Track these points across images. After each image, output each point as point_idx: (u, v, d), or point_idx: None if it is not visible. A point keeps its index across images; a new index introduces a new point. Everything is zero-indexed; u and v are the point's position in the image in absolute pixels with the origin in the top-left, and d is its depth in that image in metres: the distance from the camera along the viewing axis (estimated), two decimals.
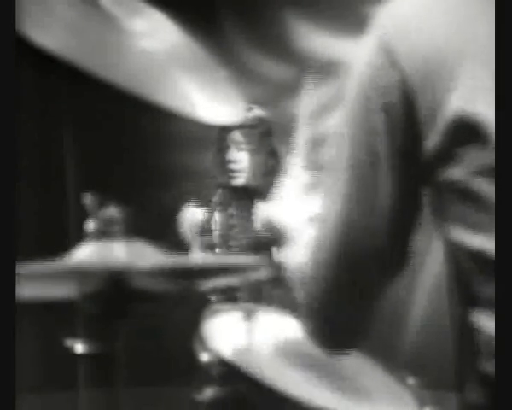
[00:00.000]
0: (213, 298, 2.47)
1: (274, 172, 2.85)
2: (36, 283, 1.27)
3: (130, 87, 1.30)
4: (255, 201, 2.83)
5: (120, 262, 1.27)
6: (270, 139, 2.87)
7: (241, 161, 2.80)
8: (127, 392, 1.36)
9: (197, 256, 2.80)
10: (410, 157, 0.93)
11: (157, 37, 1.44)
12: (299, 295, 1.04)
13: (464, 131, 0.88)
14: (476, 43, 0.90)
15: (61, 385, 3.03)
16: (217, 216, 2.84)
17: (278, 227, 2.74)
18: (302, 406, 1.57)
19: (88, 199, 1.31)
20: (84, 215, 1.33)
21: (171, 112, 1.37)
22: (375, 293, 1.02)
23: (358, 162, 0.95)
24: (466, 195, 0.90)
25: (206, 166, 2.93)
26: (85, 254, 1.28)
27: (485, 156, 0.87)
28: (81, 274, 1.25)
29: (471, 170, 0.89)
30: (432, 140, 0.91)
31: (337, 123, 1.01)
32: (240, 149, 2.80)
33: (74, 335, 1.41)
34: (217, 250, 2.81)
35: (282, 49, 3.79)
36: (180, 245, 2.81)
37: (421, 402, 1.78)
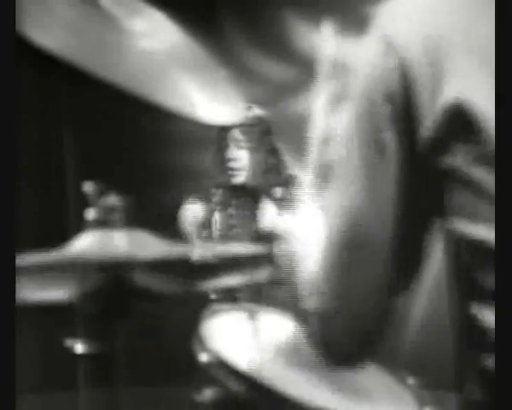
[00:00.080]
0: (214, 296, 2.47)
1: (274, 170, 2.85)
2: (35, 276, 1.26)
3: (130, 87, 1.30)
4: (255, 199, 2.84)
5: (121, 252, 1.26)
6: (269, 138, 2.87)
7: (241, 159, 2.80)
8: (127, 392, 1.36)
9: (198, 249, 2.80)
10: (412, 148, 0.94)
11: (157, 37, 1.44)
12: (309, 302, 1.03)
13: (460, 121, 0.89)
14: (475, 37, 0.91)
15: (61, 385, 3.03)
16: (217, 216, 2.84)
17: (282, 228, 2.75)
18: (302, 406, 1.57)
19: (89, 187, 1.31)
20: (83, 214, 1.33)
21: (171, 112, 1.37)
22: (389, 297, 1.01)
23: (366, 157, 0.96)
24: (466, 184, 0.90)
25: (206, 166, 2.93)
26: (85, 243, 1.28)
27: (481, 145, 0.88)
28: (81, 266, 1.25)
29: (470, 159, 0.89)
30: (429, 128, 0.91)
31: (343, 121, 1.01)
32: (239, 148, 2.80)
33: (74, 335, 1.41)
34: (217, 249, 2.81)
35: (282, 49, 3.79)
36: (181, 235, 2.82)
37: (421, 402, 1.78)
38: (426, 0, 0.96)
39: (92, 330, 1.38)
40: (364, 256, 0.98)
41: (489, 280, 0.89)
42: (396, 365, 1.88)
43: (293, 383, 1.66)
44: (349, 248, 0.98)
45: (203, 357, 1.73)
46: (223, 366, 1.68)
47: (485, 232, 0.89)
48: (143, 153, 3.73)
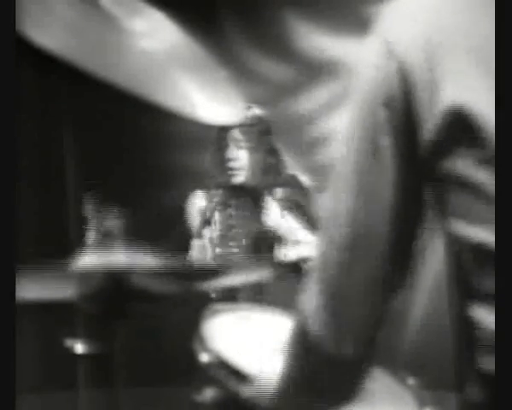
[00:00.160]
0: (214, 295, 2.47)
1: (273, 170, 2.85)
2: (37, 288, 1.27)
3: (131, 87, 1.30)
4: (255, 200, 2.84)
5: (120, 269, 1.27)
6: (269, 138, 2.87)
7: (241, 158, 2.80)
8: (127, 392, 1.36)
9: (196, 258, 2.80)
10: (411, 151, 0.94)
11: (157, 37, 1.44)
12: (308, 303, 1.03)
13: (461, 124, 0.89)
14: (475, 39, 0.91)
15: (61, 385, 3.03)
16: (217, 216, 2.85)
17: (285, 228, 2.75)
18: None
19: (88, 209, 1.31)
20: (83, 216, 1.33)
21: (171, 112, 1.37)
22: (384, 297, 1.02)
23: (363, 159, 0.96)
24: (465, 186, 0.90)
25: (206, 166, 2.93)
26: (86, 262, 1.29)
27: (482, 148, 0.88)
28: (81, 276, 1.26)
29: (469, 161, 0.89)
30: (429, 132, 0.91)
31: (342, 122, 1.01)
32: (239, 147, 2.80)
33: (74, 335, 1.41)
34: (217, 250, 2.81)
35: (282, 49, 3.79)
36: (179, 247, 2.82)
37: (422, 402, 1.78)
38: (426, 3, 0.96)
39: (92, 330, 1.38)
40: (362, 257, 0.98)
41: (488, 282, 0.89)
42: (396, 365, 1.88)
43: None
44: (346, 249, 0.98)
45: (203, 357, 1.72)
46: (223, 366, 1.68)
47: (484, 234, 0.89)
48: (143, 153, 3.73)
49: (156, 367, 3.29)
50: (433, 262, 1.03)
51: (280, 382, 1.10)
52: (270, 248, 2.76)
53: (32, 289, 1.31)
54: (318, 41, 3.73)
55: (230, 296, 2.53)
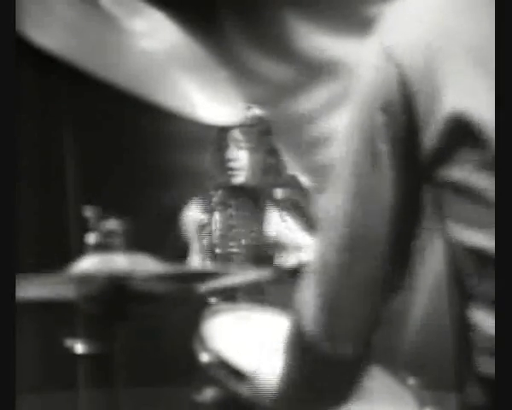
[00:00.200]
0: (213, 300, 2.47)
1: (273, 170, 2.85)
2: (36, 288, 1.27)
3: (131, 87, 1.30)
4: (255, 200, 2.84)
5: (121, 273, 1.27)
6: (269, 138, 2.87)
7: (241, 159, 2.80)
8: (127, 392, 1.36)
9: (196, 262, 2.80)
10: (410, 156, 0.94)
11: (157, 37, 1.44)
12: (307, 302, 1.03)
13: (461, 129, 0.89)
14: (475, 43, 0.91)
15: (61, 385, 3.03)
16: (217, 216, 2.84)
17: (285, 234, 2.75)
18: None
19: (89, 212, 1.31)
20: (83, 216, 1.33)
21: (171, 112, 1.37)
22: (382, 298, 1.02)
23: (360, 162, 0.96)
24: (465, 192, 0.90)
25: (206, 166, 2.93)
26: (86, 265, 1.29)
27: (482, 153, 0.88)
28: (82, 283, 1.26)
29: (470, 167, 0.89)
30: (430, 138, 0.91)
31: (340, 123, 1.01)
32: (239, 148, 2.80)
33: (74, 335, 1.41)
34: (217, 250, 2.81)
35: (282, 49, 3.79)
36: (179, 252, 2.82)
37: (422, 402, 1.78)
38: (426, 5, 0.96)
39: (92, 330, 1.38)
40: (360, 259, 0.98)
41: (488, 285, 0.89)
42: (396, 365, 1.88)
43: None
44: (345, 250, 0.98)
45: (203, 357, 1.73)
46: (223, 366, 1.68)
47: (484, 239, 0.89)
48: (143, 153, 3.73)
49: (156, 367, 3.29)
50: (432, 263, 1.04)
51: (279, 382, 1.10)
52: (271, 253, 2.77)
53: (31, 289, 1.31)
54: (318, 41, 3.73)
55: (230, 297, 2.53)
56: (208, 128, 2.58)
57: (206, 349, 1.73)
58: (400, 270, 1.01)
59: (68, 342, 1.40)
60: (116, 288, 1.26)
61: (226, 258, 2.78)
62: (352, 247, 0.98)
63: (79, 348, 1.39)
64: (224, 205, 2.85)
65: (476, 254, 0.90)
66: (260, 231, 2.80)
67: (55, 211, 3.31)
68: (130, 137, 3.70)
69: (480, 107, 0.88)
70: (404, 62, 0.92)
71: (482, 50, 0.90)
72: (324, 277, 1.00)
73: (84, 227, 1.32)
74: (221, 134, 2.82)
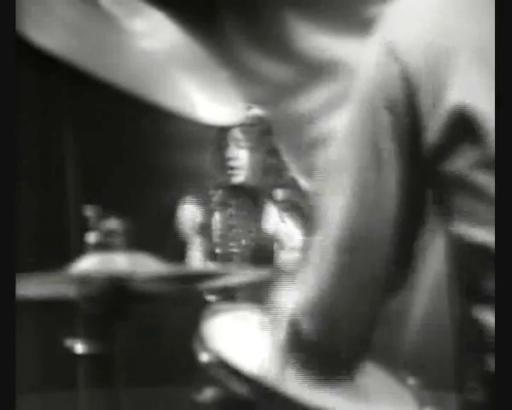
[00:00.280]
0: (212, 298, 2.47)
1: (273, 171, 2.85)
2: (36, 288, 1.27)
3: (131, 87, 1.30)
4: (254, 200, 2.84)
5: (121, 272, 1.27)
6: (269, 138, 2.87)
7: (241, 158, 2.80)
8: (127, 392, 1.36)
9: (195, 259, 2.80)
10: (413, 154, 0.93)
11: (157, 37, 1.44)
12: (306, 305, 1.02)
13: (464, 125, 0.89)
14: (477, 40, 0.91)
15: (61, 385, 3.03)
16: (217, 216, 2.84)
17: (284, 233, 2.75)
18: (301, 406, 1.57)
19: (89, 211, 1.31)
20: (83, 216, 1.33)
21: (171, 112, 1.37)
22: (382, 298, 1.01)
23: (363, 162, 0.96)
24: (467, 188, 0.90)
25: (206, 166, 2.93)
26: (87, 265, 1.29)
27: (484, 149, 0.88)
28: (82, 282, 1.26)
29: (471, 163, 0.89)
30: (432, 135, 0.91)
31: (342, 123, 1.01)
32: (239, 147, 2.80)
33: (74, 335, 1.41)
34: (217, 250, 2.81)
35: (282, 49, 3.79)
36: (179, 252, 2.82)
37: (422, 403, 1.78)
38: (428, 4, 0.96)
39: (92, 330, 1.38)
40: (362, 258, 0.98)
41: (489, 282, 0.89)
42: (396, 365, 1.88)
43: (292, 382, 1.66)
44: (346, 251, 0.98)
45: (203, 357, 1.72)
46: (223, 365, 1.68)
47: (487, 236, 0.89)
48: (143, 153, 3.73)
49: (156, 367, 3.29)
50: (433, 262, 1.03)
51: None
52: (270, 253, 2.76)
53: (31, 289, 1.31)
54: (318, 41, 3.72)
55: (230, 297, 2.53)
56: (208, 128, 2.58)
57: (206, 349, 1.73)
58: (403, 270, 1.01)
59: (68, 342, 1.40)
60: (116, 288, 1.26)
61: (226, 258, 2.78)
62: (353, 248, 0.97)
63: (79, 348, 1.39)
64: (224, 205, 2.85)
65: (480, 251, 0.90)
66: (260, 231, 2.80)
67: (55, 211, 3.31)
68: (130, 137, 3.70)
69: (483, 102, 0.88)
70: (407, 59, 0.92)
71: (484, 47, 0.90)
72: (325, 277, 1.00)
73: (85, 227, 1.32)
74: (221, 134, 2.82)
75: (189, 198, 2.88)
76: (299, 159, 3.39)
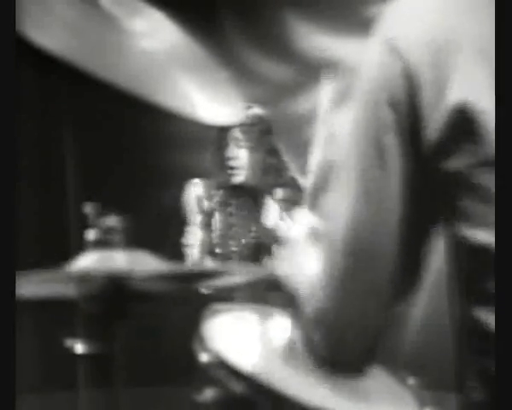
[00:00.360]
0: (209, 292, 2.47)
1: (273, 170, 2.85)
2: (36, 288, 1.27)
3: (131, 87, 1.30)
4: (254, 199, 2.84)
5: (120, 270, 1.27)
6: (269, 138, 2.87)
7: (241, 157, 2.80)
8: (127, 392, 1.36)
9: (194, 257, 2.80)
10: (416, 152, 0.93)
11: (157, 37, 1.44)
12: (307, 305, 1.01)
13: (465, 123, 0.89)
14: (478, 38, 0.91)
15: (61, 385, 3.03)
16: (217, 215, 2.85)
17: (284, 231, 2.75)
18: (301, 406, 1.57)
19: (88, 208, 1.31)
20: (83, 215, 1.33)
21: (171, 112, 1.37)
22: (388, 303, 1.00)
23: (367, 160, 0.95)
24: (468, 188, 0.90)
25: (206, 165, 2.93)
26: (86, 262, 1.29)
27: (485, 148, 0.88)
28: (82, 278, 1.26)
29: (472, 162, 0.89)
30: (434, 133, 0.91)
31: (345, 122, 1.01)
32: (239, 147, 2.80)
33: (74, 335, 1.41)
34: (217, 250, 2.81)
35: (282, 49, 3.79)
36: (179, 252, 2.82)
37: (422, 403, 1.78)
38: (428, 3, 0.96)
39: (92, 330, 1.38)
40: (367, 262, 0.97)
41: (490, 283, 0.89)
42: (396, 365, 1.88)
43: (292, 382, 1.66)
44: (350, 254, 0.97)
45: (203, 357, 1.72)
46: (223, 366, 1.68)
47: (487, 236, 0.88)
48: (143, 153, 3.73)
49: (156, 367, 3.29)
50: (433, 262, 1.03)
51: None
52: (269, 250, 2.76)
53: (31, 289, 1.31)
54: (318, 41, 3.72)
55: (229, 296, 2.53)
56: (208, 128, 2.58)
57: (206, 349, 1.73)
58: (409, 275, 1.00)
59: (68, 342, 1.40)
60: (115, 286, 1.26)
61: (226, 257, 2.79)
62: (358, 250, 0.96)
63: (79, 348, 1.39)
64: (224, 204, 2.85)
65: (481, 251, 0.90)
66: (260, 230, 2.80)
67: (55, 211, 3.31)
68: (130, 137, 3.70)
69: (484, 100, 0.88)
70: (409, 57, 0.92)
71: (486, 44, 0.90)
72: (329, 281, 0.99)
73: (84, 225, 1.32)
74: (221, 133, 2.82)
75: (194, 181, 2.87)
76: (298, 158, 3.39)
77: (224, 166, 2.81)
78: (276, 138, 2.89)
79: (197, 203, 2.84)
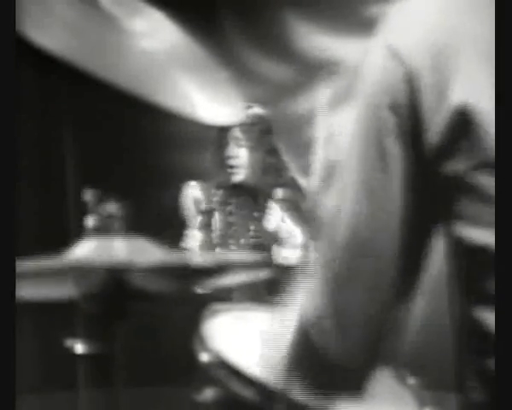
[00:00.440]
0: (208, 291, 2.47)
1: (273, 170, 2.85)
2: (35, 281, 1.27)
3: (131, 87, 1.30)
4: (254, 199, 2.84)
5: (120, 259, 1.26)
6: (269, 137, 2.87)
7: (241, 157, 2.80)
8: (127, 392, 1.36)
9: (195, 237, 2.80)
10: (418, 155, 0.93)
11: (157, 37, 1.44)
12: (309, 309, 1.01)
13: (466, 125, 0.89)
14: (479, 40, 0.91)
15: (61, 385, 3.03)
16: (217, 215, 2.85)
17: (286, 231, 2.75)
18: (301, 405, 1.57)
19: (88, 195, 1.31)
20: (83, 216, 1.33)
21: (171, 112, 1.37)
22: (390, 304, 1.00)
23: (369, 163, 0.95)
24: (468, 189, 0.90)
25: (206, 165, 2.93)
26: (85, 250, 1.28)
27: (486, 150, 0.88)
28: (80, 271, 1.25)
29: (473, 163, 0.89)
30: (435, 135, 0.91)
31: (346, 123, 1.01)
32: (239, 146, 2.80)
33: (74, 335, 1.41)
34: (217, 250, 2.81)
35: (282, 49, 3.79)
36: (179, 241, 2.82)
37: (422, 402, 1.78)
38: (430, 4, 0.96)
39: (92, 330, 1.38)
40: (368, 264, 0.97)
41: (490, 283, 0.89)
42: (396, 365, 1.88)
43: (292, 382, 1.66)
44: (351, 256, 0.97)
45: (203, 357, 1.73)
46: (223, 366, 1.68)
47: (487, 236, 0.88)
48: (143, 153, 3.73)
49: (156, 367, 3.29)
50: (433, 262, 1.03)
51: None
52: (269, 250, 2.77)
53: (31, 288, 1.31)
54: (318, 41, 3.72)
55: (229, 296, 2.53)
56: (208, 128, 2.58)
57: (206, 349, 1.73)
58: (410, 276, 1.00)
59: (68, 342, 1.40)
60: (115, 283, 1.26)
61: (225, 256, 2.79)
62: (359, 251, 0.96)
63: (79, 348, 1.39)
64: (224, 204, 2.85)
65: (482, 252, 0.90)
66: (259, 230, 2.80)
67: (55, 211, 3.31)
68: (130, 137, 3.70)
69: (486, 103, 0.88)
70: (410, 61, 0.92)
71: (488, 47, 0.90)
72: (330, 281, 0.99)
73: (83, 219, 1.32)
74: (221, 133, 2.82)
75: (190, 183, 2.87)
76: (298, 158, 3.39)
77: (223, 165, 2.82)
78: (276, 138, 2.89)
79: (195, 206, 2.84)
